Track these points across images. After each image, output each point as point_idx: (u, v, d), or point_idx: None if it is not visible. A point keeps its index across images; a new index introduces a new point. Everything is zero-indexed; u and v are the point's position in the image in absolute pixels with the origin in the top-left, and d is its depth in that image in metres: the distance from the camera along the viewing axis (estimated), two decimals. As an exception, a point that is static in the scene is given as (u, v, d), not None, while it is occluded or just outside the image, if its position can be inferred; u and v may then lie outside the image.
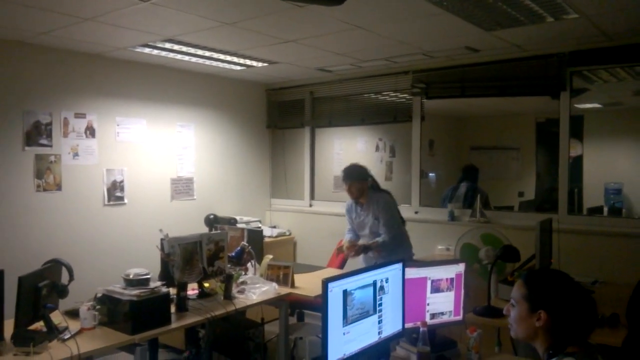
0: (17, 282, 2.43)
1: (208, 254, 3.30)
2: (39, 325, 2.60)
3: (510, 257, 3.18)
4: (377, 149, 7.16)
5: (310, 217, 5.95)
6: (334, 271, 4.23)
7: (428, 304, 2.55)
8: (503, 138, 7.52)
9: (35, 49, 4.19)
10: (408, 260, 3.75)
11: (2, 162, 4.04)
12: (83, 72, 4.52)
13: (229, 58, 4.69)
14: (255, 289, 3.40)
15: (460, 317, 2.64)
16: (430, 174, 7.01)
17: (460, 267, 2.62)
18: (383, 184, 4.34)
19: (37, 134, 4.22)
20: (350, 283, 2.07)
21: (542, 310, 1.58)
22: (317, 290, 3.31)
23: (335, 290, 2.01)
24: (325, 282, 1.97)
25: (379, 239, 3.95)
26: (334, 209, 5.72)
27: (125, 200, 4.83)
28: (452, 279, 2.59)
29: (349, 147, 6.99)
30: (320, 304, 2.03)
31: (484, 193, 5.21)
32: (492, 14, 3.34)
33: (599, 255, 4.03)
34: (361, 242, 4.06)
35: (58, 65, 4.35)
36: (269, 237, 5.65)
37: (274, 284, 3.50)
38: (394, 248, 3.93)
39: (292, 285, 3.63)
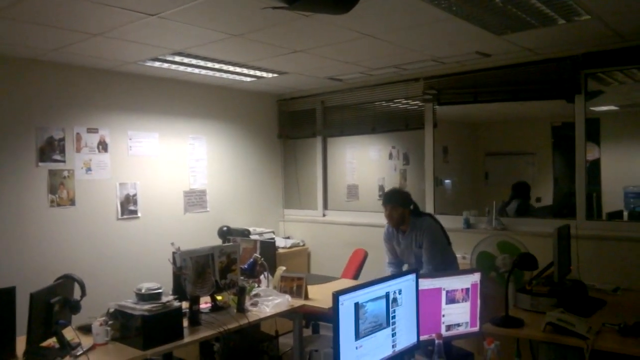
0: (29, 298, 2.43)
1: (220, 267, 3.28)
2: (52, 341, 2.59)
3: (527, 265, 3.09)
4: (391, 156, 7.12)
5: (324, 227, 5.91)
6: (348, 282, 4.18)
7: (443, 316, 2.50)
8: (518, 143, 7.42)
9: (47, 66, 4.24)
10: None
11: (16, 178, 4.07)
12: (94, 87, 4.56)
13: (238, 70, 4.70)
14: (268, 302, 3.36)
15: (477, 329, 2.58)
16: (446, 181, 6.94)
17: (476, 277, 2.57)
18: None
19: (50, 149, 4.25)
20: (362, 295, 2.03)
21: None
22: (331, 301, 3.25)
23: (347, 303, 1.96)
24: (336, 295, 1.92)
25: None
26: (347, 219, 5.68)
27: (139, 214, 4.84)
28: (467, 289, 2.53)
29: (361, 156, 6.96)
30: (334, 316, 1.99)
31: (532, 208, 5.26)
32: (502, 17, 3.29)
33: (620, 262, 3.93)
34: None
35: (70, 82, 4.40)
36: (283, 248, 5.62)
37: (287, 296, 3.46)
38: None
39: (306, 297, 3.59)
